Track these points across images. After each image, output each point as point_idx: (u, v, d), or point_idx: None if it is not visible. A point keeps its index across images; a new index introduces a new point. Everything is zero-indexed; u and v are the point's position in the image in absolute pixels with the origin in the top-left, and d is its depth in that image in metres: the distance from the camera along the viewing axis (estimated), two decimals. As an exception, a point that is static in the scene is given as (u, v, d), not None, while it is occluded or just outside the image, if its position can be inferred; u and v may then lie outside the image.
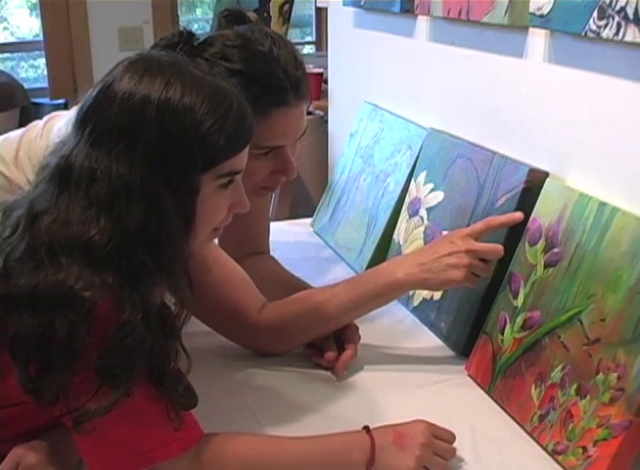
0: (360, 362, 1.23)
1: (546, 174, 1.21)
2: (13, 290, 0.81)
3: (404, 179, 1.55)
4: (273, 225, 1.56)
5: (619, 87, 1.07)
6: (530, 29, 1.24)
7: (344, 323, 1.22)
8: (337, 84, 2.09)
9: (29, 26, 4.10)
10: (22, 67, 4.27)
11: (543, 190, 1.18)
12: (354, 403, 1.14)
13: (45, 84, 3.68)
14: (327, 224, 1.79)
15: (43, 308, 0.79)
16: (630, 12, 0.98)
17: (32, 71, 4.25)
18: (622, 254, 0.99)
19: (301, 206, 2.46)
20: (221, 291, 1.19)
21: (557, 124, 1.22)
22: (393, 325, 1.37)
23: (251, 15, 1.22)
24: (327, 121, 2.19)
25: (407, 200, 1.52)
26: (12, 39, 4.15)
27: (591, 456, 0.94)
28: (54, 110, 1.45)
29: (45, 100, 3.50)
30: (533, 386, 1.06)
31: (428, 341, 1.32)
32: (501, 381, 1.13)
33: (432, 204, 1.44)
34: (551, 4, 1.13)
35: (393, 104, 1.72)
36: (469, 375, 1.20)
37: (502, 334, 1.15)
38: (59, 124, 1.23)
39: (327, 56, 2.11)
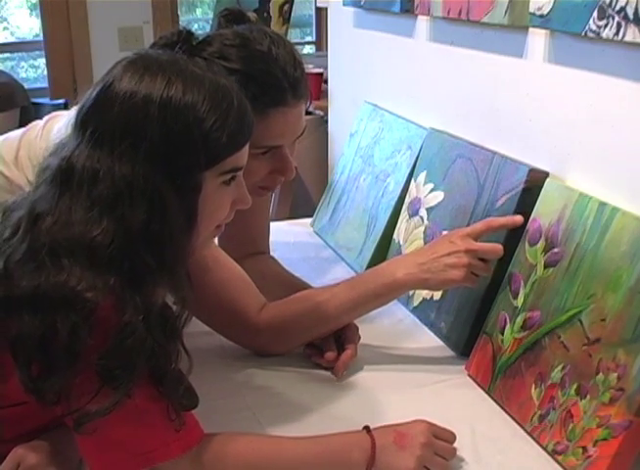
0: (360, 362, 1.23)
1: (546, 174, 1.21)
2: (14, 291, 0.81)
3: (404, 179, 1.55)
4: (273, 225, 1.56)
5: (619, 87, 1.07)
6: (530, 29, 1.24)
7: (344, 323, 1.22)
8: (337, 84, 2.09)
9: (29, 26, 4.11)
10: (22, 67, 4.27)
11: (543, 190, 1.18)
12: (354, 403, 1.14)
13: (45, 84, 3.68)
14: (327, 224, 1.79)
15: (45, 310, 0.79)
16: (630, 12, 0.98)
17: (32, 71, 4.25)
18: (622, 254, 0.99)
19: (301, 206, 2.46)
20: (221, 291, 1.19)
21: (557, 124, 1.22)
22: (393, 325, 1.37)
23: (251, 15, 1.22)
24: (327, 121, 2.19)
25: (407, 200, 1.52)
26: (12, 39, 4.15)
27: (591, 456, 0.94)
28: (54, 110, 1.45)
29: (45, 100, 3.50)
30: (533, 386, 1.06)
31: (428, 341, 1.32)
32: (501, 381, 1.13)
33: (432, 204, 1.44)
34: (551, 4, 1.13)
35: (393, 104, 1.72)
36: (469, 375, 1.20)
37: (502, 334, 1.15)
38: (59, 125, 1.23)
39: (327, 56, 2.11)
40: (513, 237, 1.19)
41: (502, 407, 1.11)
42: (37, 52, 3.91)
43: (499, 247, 1.16)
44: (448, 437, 1.00)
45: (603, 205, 1.05)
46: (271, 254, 1.50)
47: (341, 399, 1.15)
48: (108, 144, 0.84)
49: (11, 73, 3.59)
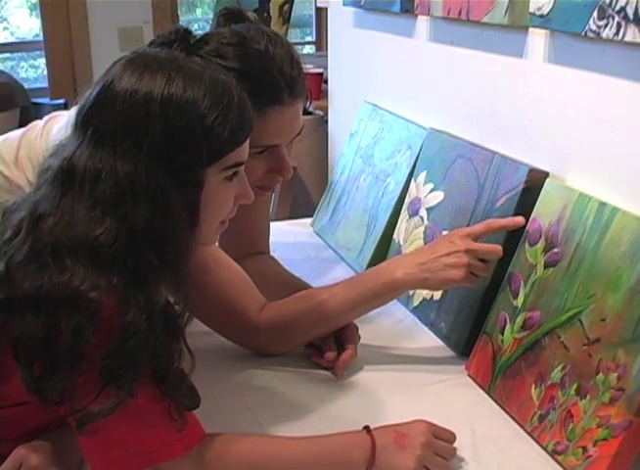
0: (360, 362, 1.23)
1: (546, 174, 1.21)
2: (16, 292, 0.81)
3: (404, 179, 1.55)
4: (273, 225, 1.56)
5: (619, 87, 1.07)
6: (530, 29, 1.24)
7: (344, 323, 1.22)
8: (337, 84, 2.09)
9: (29, 26, 4.11)
10: (23, 67, 4.27)
11: (543, 190, 1.18)
12: (354, 403, 1.14)
13: (45, 84, 3.68)
14: (327, 224, 1.79)
15: (48, 310, 0.79)
16: (630, 12, 0.98)
17: (32, 71, 4.25)
18: (622, 254, 0.99)
19: (301, 206, 2.46)
20: (221, 291, 1.19)
21: (557, 124, 1.22)
22: (393, 325, 1.37)
23: (251, 15, 1.22)
24: (327, 121, 2.19)
25: (407, 200, 1.52)
26: (12, 39, 4.15)
27: (591, 456, 0.94)
28: (54, 110, 1.46)
29: (45, 100, 3.50)
30: (533, 386, 1.06)
31: (428, 341, 1.32)
32: (501, 381, 1.13)
33: (432, 204, 1.44)
34: (551, 4, 1.13)
35: (393, 104, 1.72)
36: (469, 375, 1.20)
37: (502, 334, 1.15)
38: (59, 125, 1.23)
39: (327, 56, 2.11)
40: (513, 237, 1.19)
41: (502, 407, 1.11)
42: (37, 52, 3.91)
43: (499, 247, 1.16)
44: (448, 437, 1.00)
45: (603, 205, 1.06)
46: (271, 254, 1.50)
47: (341, 399, 1.15)
48: (109, 143, 0.84)
49: (11, 73, 3.59)
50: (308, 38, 4.55)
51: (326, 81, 2.21)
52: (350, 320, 1.23)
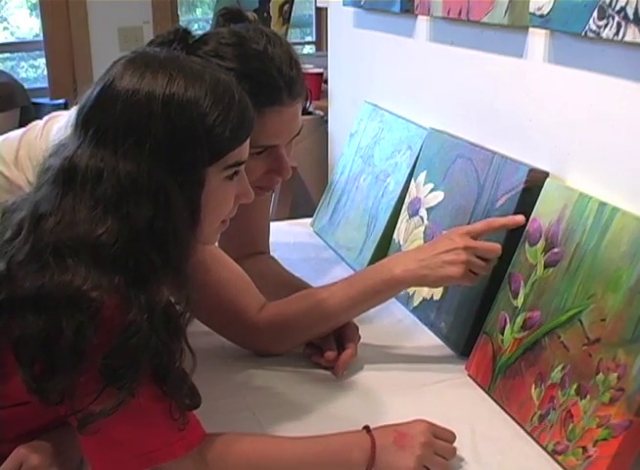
0: (360, 362, 1.23)
1: (546, 174, 1.21)
2: (17, 292, 0.81)
3: (404, 179, 1.55)
4: (273, 225, 1.56)
5: (619, 87, 1.07)
6: (530, 29, 1.24)
7: (344, 321, 1.22)
8: (337, 84, 2.09)
9: (29, 26, 4.11)
10: (23, 67, 4.27)
11: (543, 190, 1.18)
12: (354, 403, 1.14)
13: (45, 84, 3.69)
14: (327, 224, 1.79)
15: (49, 310, 0.79)
16: (630, 12, 0.99)
17: (32, 71, 4.25)
18: (622, 254, 0.99)
19: (301, 206, 2.46)
20: (221, 291, 1.19)
21: (557, 124, 1.22)
22: (393, 325, 1.37)
23: (251, 15, 1.22)
24: (327, 121, 2.19)
25: (407, 200, 1.52)
26: (12, 39, 4.15)
27: (591, 456, 0.94)
28: (54, 110, 1.46)
29: (45, 100, 3.50)
30: (533, 386, 1.06)
31: (428, 341, 1.32)
32: (501, 381, 1.13)
33: (432, 204, 1.44)
34: (551, 4, 1.13)
35: (393, 104, 1.72)
36: (469, 375, 1.20)
37: (502, 334, 1.15)
38: (59, 125, 1.24)
39: (327, 56, 2.11)
40: (513, 237, 1.19)
41: (502, 407, 1.11)
42: (37, 52, 3.91)
43: (498, 246, 1.16)
44: (448, 436, 1.00)
45: (603, 205, 1.06)
46: (271, 254, 1.50)
47: (341, 398, 1.15)
48: (111, 143, 0.84)
49: (11, 73, 3.59)
50: (308, 38, 4.55)
51: (326, 81, 2.21)
52: (350, 318, 1.23)
